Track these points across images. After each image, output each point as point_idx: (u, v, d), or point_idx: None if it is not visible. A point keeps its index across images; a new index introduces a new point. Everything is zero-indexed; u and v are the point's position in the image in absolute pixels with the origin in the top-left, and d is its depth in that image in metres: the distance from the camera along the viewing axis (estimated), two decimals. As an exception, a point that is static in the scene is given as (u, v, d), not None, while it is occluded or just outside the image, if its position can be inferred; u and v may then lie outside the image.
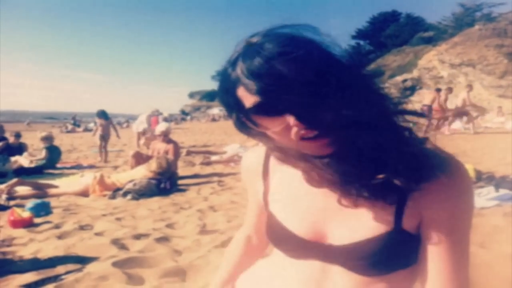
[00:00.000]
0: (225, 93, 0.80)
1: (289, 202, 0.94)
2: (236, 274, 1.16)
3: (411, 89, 27.98)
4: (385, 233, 0.82)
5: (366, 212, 0.84)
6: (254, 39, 0.76)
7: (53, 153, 9.30)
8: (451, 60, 26.35)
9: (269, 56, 0.71)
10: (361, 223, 0.84)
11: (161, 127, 7.73)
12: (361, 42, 45.45)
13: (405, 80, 28.61)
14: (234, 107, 0.80)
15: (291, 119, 0.72)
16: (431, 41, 32.48)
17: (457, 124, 15.45)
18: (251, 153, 1.09)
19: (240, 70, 0.75)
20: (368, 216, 0.83)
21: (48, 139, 9.44)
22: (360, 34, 45.34)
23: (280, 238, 0.94)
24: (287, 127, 0.74)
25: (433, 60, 27.90)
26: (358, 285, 0.85)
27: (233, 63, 0.77)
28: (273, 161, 0.99)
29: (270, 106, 0.73)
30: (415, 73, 28.80)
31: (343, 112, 0.71)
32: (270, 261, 1.06)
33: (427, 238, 0.83)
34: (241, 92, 0.76)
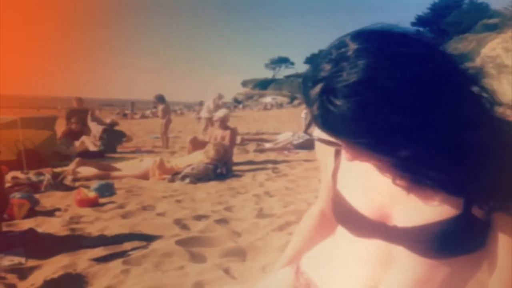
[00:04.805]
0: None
1: (357, 181, 0.94)
2: (306, 249, 1.17)
3: (473, 79, 26.69)
4: (453, 217, 0.80)
5: (434, 195, 0.82)
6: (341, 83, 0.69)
7: (114, 137, 9.82)
8: (517, 49, 24.90)
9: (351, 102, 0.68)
10: (428, 206, 0.82)
11: (219, 113, 7.78)
12: (421, 29, 43.53)
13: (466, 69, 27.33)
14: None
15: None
16: (495, 29, 30.69)
17: None
18: None
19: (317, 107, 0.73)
20: (436, 199, 0.82)
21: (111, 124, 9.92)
22: (420, 21, 43.24)
23: (346, 216, 0.95)
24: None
25: (497, 49, 26.42)
26: (422, 267, 0.85)
27: (314, 82, 0.73)
28: None
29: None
30: (477, 62, 27.48)
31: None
32: (334, 239, 1.06)
33: (497, 224, 0.80)
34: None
